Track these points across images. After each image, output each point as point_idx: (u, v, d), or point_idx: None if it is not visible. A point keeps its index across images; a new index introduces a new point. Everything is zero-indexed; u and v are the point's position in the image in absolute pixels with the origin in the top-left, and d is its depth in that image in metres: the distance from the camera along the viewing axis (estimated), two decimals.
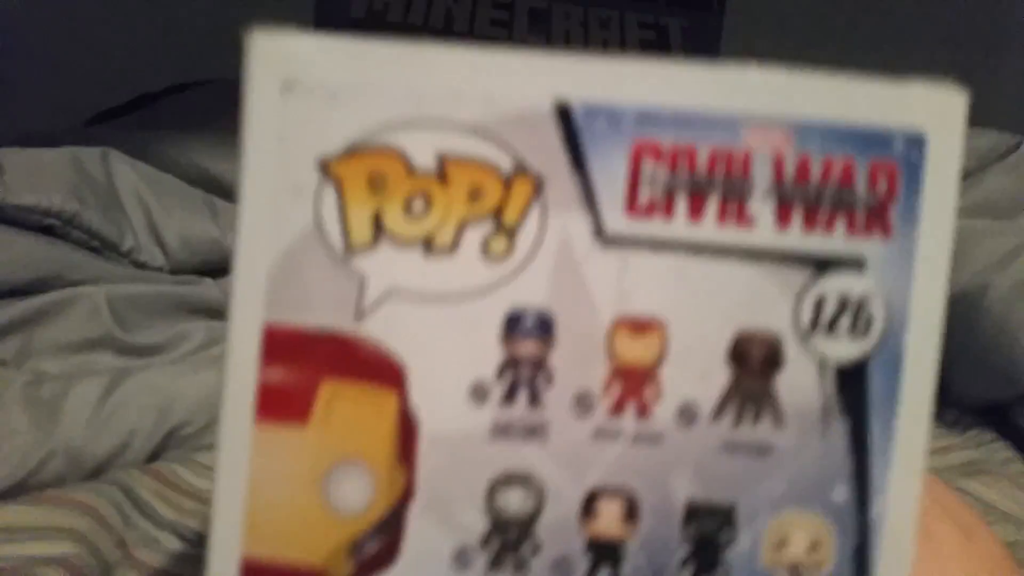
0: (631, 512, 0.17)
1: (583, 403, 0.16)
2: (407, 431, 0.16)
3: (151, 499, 0.33)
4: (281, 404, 0.16)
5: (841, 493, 0.17)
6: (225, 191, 0.55)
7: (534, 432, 0.16)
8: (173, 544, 0.32)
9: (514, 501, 0.16)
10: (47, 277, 0.44)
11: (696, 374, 0.16)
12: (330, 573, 0.16)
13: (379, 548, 0.16)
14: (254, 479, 0.16)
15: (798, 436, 0.17)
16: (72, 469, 0.37)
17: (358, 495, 0.16)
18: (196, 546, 0.32)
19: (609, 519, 0.17)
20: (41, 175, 0.45)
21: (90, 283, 0.45)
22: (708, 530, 0.17)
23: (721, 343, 0.16)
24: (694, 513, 0.17)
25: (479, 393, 0.16)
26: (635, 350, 0.16)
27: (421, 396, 0.16)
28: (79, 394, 0.38)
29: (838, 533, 0.17)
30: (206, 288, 0.50)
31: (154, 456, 0.39)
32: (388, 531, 0.16)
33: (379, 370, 0.16)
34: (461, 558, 0.17)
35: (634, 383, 0.16)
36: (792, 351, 0.16)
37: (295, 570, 0.16)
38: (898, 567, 0.17)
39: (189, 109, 0.64)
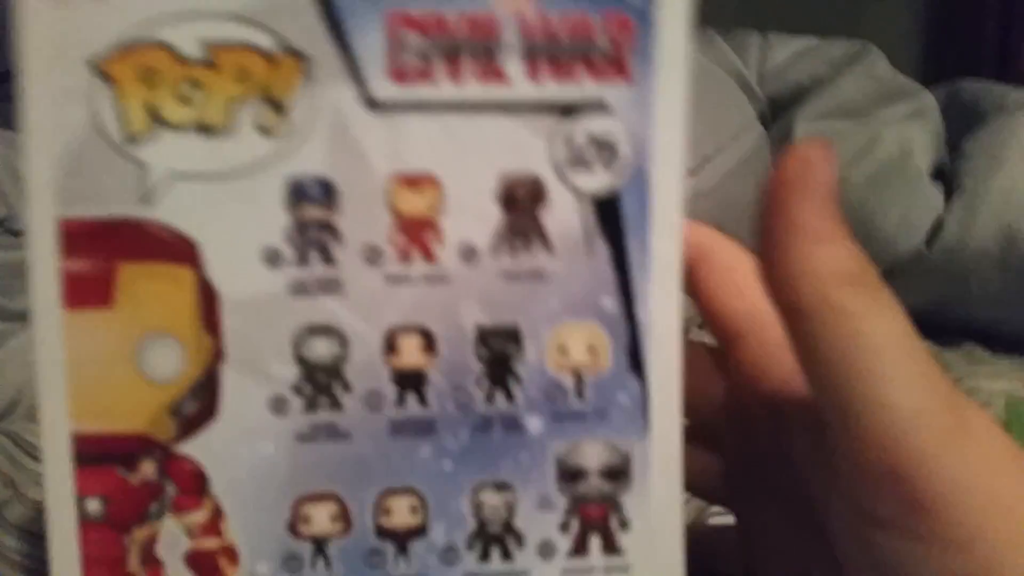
0: (429, 344, 0.18)
1: (372, 255, 0.18)
2: (208, 301, 0.18)
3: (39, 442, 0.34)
4: (85, 291, 0.18)
5: (609, 304, 0.19)
6: None
7: (330, 286, 0.18)
8: None
9: (320, 349, 0.18)
10: None
11: (471, 218, 0.18)
12: (155, 436, 0.18)
13: (199, 408, 0.18)
14: (71, 361, 0.18)
15: (566, 260, 0.19)
16: None
17: (169, 364, 0.18)
18: None
19: (409, 352, 0.18)
20: None
21: None
22: (497, 349, 0.19)
23: (489, 188, 0.18)
24: (484, 336, 0.19)
25: (272, 258, 0.18)
26: (413, 202, 0.18)
27: (216, 268, 0.18)
28: None
29: (611, 338, 0.19)
30: None
31: None
32: (204, 392, 0.18)
33: (172, 249, 0.18)
34: (277, 405, 0.18)
35: (416, 232, 0.18)
36: (553, 188, 0.18)
37: (122, 438, 0.18)
38: (666, 365, 0.19)
39: None
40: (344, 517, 0.19)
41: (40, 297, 0.18)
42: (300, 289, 0.18)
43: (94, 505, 0.18)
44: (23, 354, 0.40)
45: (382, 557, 0.19)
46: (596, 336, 0.19)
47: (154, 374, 0.18)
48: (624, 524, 0.19)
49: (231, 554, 0.18)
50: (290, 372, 0.18)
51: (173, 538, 0.18)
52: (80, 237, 0.18)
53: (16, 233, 0.49)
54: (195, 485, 0.18)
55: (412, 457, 0.19)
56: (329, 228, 0.18)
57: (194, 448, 0.18)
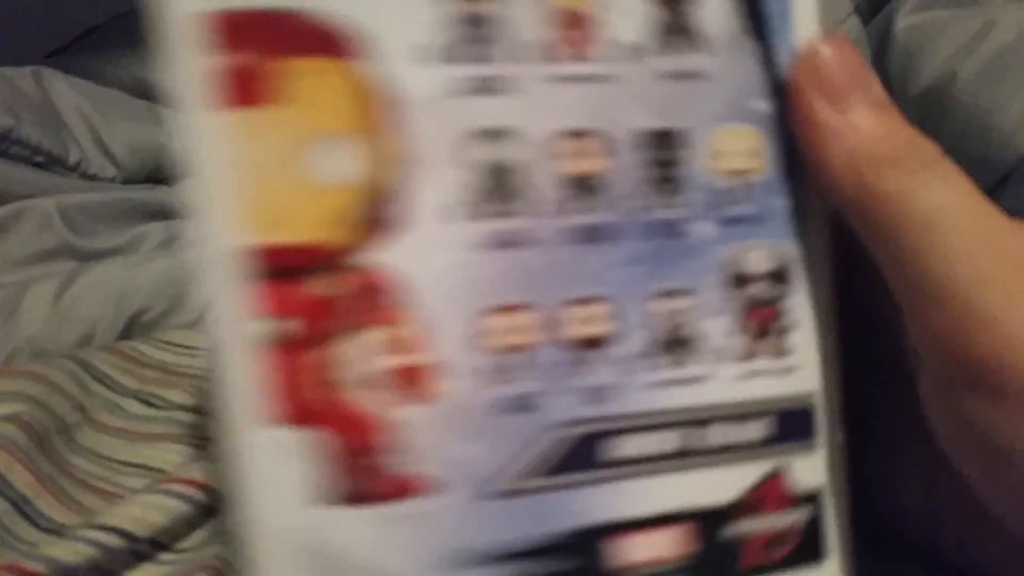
0: (598, 148, 0.18)
1: (535, 52, 0.18)
2: (378, 99, 0.17)
3: (111, 371, 0.33)
4: (245, 89, 0.16)
5: (762, 104, 0.19)
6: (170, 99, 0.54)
7: (498, 85, 0.17)
8: (138, 409, 0.32)
9: (496, 152, 0.17)
10: None
11: (627, 15, 0.18)
12: (332, 245, 0.16)
13: (375, 215, 0.17)
14: (235, 167, 0.16)
15: (722, 60, 0.19)
16: (37, 360, 0.37)
17: (342, 167, 0.16)
18: (164, 409, 0.32)
19: (582, 156, 0.18)
20: None
21: (39, 197, 0.45)
22: (664, 153, 0.18)
23: None
24: (650, 140, 0.18)
25: (436, 54, 0.17)
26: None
27: (386, 64, 0.17)
28: (35, 293, 0.38)
29: (768, 140, 0.19)
30: (162, 194, 0.50)
31: None
32: (380, 198, 0.17)
33: (337, 42, 0.16)
34: (461, 210, 0.17)
35: (576, 28, 0.18)
36: None
37: (297, 249, 0.16)
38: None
39: (127, 31, 0.63)
40: (535, 326, 0.18)
41: (192, 97, 0.16)
42: (468, 88, 0.17)
43: (269, 325, 0.16)
44: (96, 289, 0.39)
45: (570, 367, 0.18)
46: (754, 138, 0.19)
47: (326, 179, 0.16)
48: (789, 326, 0.19)
49: (428, 370, 0.17)
50: (470, 176, 0.17)
51: (366, 356, 0.16)
52: (233, 31, 0.16)
53: (91, 177, 0.49)
54: (388, 297, 0.17)
55: (594, 264, 0.18)
56: (491, 22, 0.17)
57: (383, 258, 0.17)
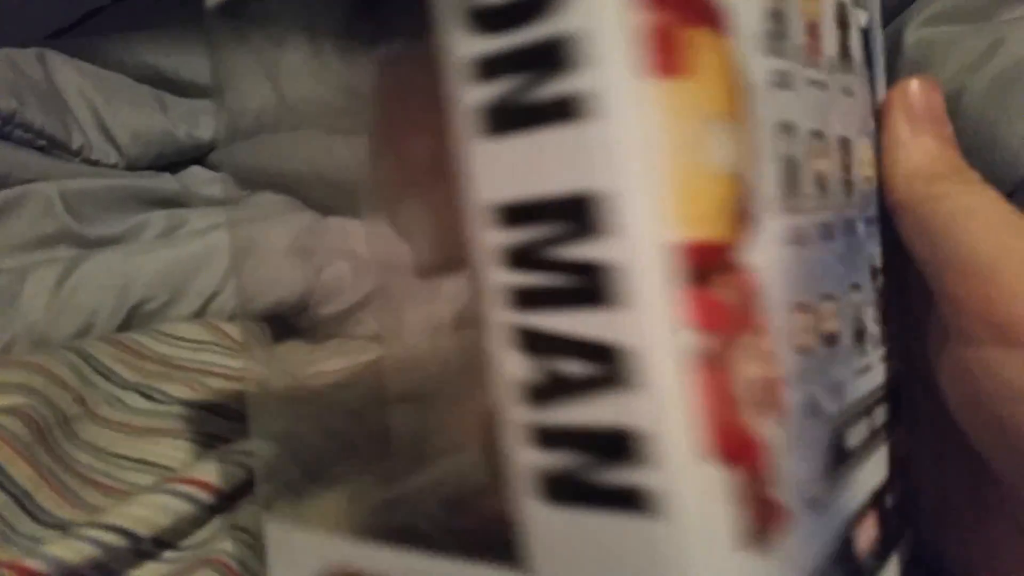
0: (828, 149, 0.19)
1: (801, 55, 0.18)
2: (740, 81, 0.15)
3: (112, 364, 0.33)
4: (664, 55, 0.13)
5: (872, 125, 0.21)
6: (174, 86, 0.54)
7: (787, 82, 0.17)
8: (139, 403, 0.32)
9: (788, 146, 0.17)
10: None
11: (830, 30, 0.19)
12: (730, 242, 0.14)
13: (746, 208, 0.15)
14: (664, 147, 0.13)
15: (858, 81, 0.20)
16: (38, 351, 0.37)
17: (726, 151, 0.14)
18: (164, 403, 0.32)
19: (821, 156, 0.19)
20: None
21: (41, 181, 0.44)
22: (846, 156, 0.19)
23: (831, 9, 0.20)
24: (841, 144, 0.19)
25: (762, 43, 0.16)
26: (811, 5, 0.18)
27: (741, 45, 0.15)
28: (36, 280, 0.38)
29: (875, 156, 0.21)
30: (164, 181, 0.50)
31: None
32: (749, 190, 0.15)
33: (718, 14, 0.15)
34: (781, 203, 0.17)
35: (814, 33, 0.18)
36: (852, 15, 0.20)
37: (715, 246, 0.14)
38: None
39: (133, 13, 0.62)
40: (815, 324, 0.17)
41: (615, 64, 0.13)
42: (778, 81, 0.17)
43: (696, 338, 0.13)
44: (97, 277, 0.39)
45: (828, 362, 0.18)
46: (871, 152, 0.21)
47: (717, 165, 0.14)
48: (887, 315, 0.21)
49: (780, 383, 0.15)
50: (778, 169, 0.16)
51: (745, 372, 0.14)
52: None
53: (93, 162, 0.48)
54: (758, 301, 0.15)
55: (832, 260, 0.18)
56: (786, 19, 0.17)
57: (749, 256, 0.15)
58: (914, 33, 0.54)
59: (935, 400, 0.20)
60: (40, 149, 0.46)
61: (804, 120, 0.17)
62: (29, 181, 0.44)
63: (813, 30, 0.18)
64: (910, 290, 0.22)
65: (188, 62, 0.54)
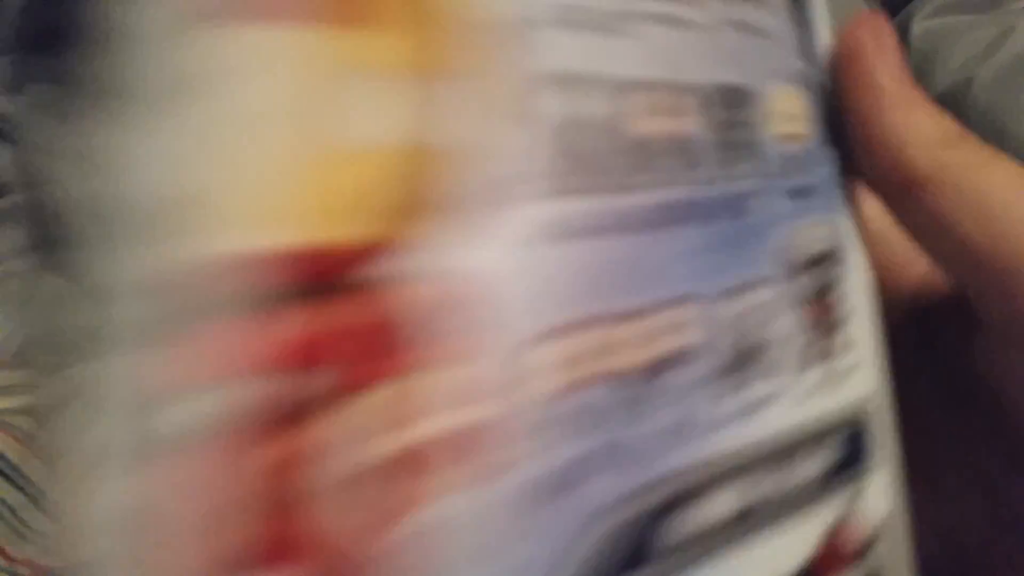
0: (675, 103, 0.14)
1: None
2: (445, 19, 0.11)
3: None
4: None
5: (803, 66, 0.16)
6: None
7: (579, 19, 0.13)
8: None
9: (568, 104, 0.12)
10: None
11: None
12: (356, 247, 0.10)
13: (425, 194, 0.11)
14: (227, 123, 0.10)
15: (771, 14, 0.16)
16: None
17: (385, 121, 0.11)
18: None
19: (656, 114, 0.14)
20: None
21: None
22: (734, 112, 0.15)
23: None
24: (722, 96, 0.15)
25: None
26: None
27: None
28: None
29: (811, 104, 0.16)
30: None
31: None
32: (438, 169, 0.11)
33: None
34: (516, 188, 0.12)
35: None
36: None
37: (311, 255, 0.09)
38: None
39: None
40: (602, 350, 0.12)
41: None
42: (555, 19, 0.12)
43: (232, 395, 0.09)
44: None
45: (633, 405, 0.12)
46: (800, 102, 0.16)
47: (359, 140, 0.10)
48: (847, 317, 0.16)
49: (482, 434, 0.11)
50: (537, 136, 0.12)
51: (374, 426, 0.10)
52: None
53: None
54: (429, 324, 0.10)
55: (670, 255, 0.13)
56: None
57: (419, 262, 0.11)
58: (921, 23, 0.54)
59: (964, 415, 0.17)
60: None
61: (621, 67, 0.13)
62: None
63: None
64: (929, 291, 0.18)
65: None
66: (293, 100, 0.10)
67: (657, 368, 0.12)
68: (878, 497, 0.16)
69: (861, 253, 0.17)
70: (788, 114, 0.16)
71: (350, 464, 0.09)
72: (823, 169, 0.16)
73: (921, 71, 0.54)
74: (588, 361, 0.11)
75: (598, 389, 0.12)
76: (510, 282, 0.11)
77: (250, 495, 0.09)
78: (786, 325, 0.15)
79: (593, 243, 0.12)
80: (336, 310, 0.09)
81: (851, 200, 0.17)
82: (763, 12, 0.16)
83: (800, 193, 0.15)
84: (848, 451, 0.15)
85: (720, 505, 0.13)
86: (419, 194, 0.10)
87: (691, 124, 0.14)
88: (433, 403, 0.10)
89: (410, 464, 0.10)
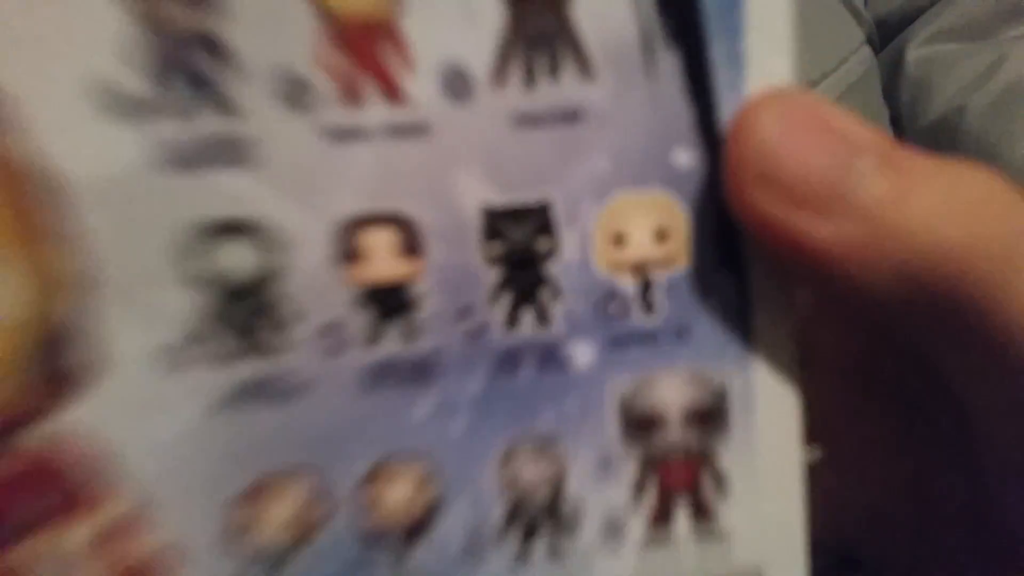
0: (408, 241, 0.12)
1: (295, 90, 0.11)
2: (39, 193, 0.11)
3: None
4: None
5: (684, 156, 0.12)
6: None
7: (232, 150, 0.11)
8: None
9: (233, 259, 0.11)
10: None
11: (456, 19, 0.11)
12: (9, 410, 0.11)
13: (66, 363, 0.12)
14: None
15: (614, 85, 0.12)
16: None
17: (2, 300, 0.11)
18: None
19: (379, 257, 0.12)
20: None
21: None
22: (518, 241, 0.12)
23: None
24: (496, 223, 0.12)
25: (121, 101, 0.11)
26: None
27: (42, 131, 0.11)
28: None
29: (690, 212, 0.12)
30: None
31: None
32: (68, 337, 0.11)
33: None
34: (179, 355, 0.12)
35: (368, 50, 0.11)
36: None
37: None
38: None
39: None
40: (310, 513, 0.12)
41: None
42: (183, 156, 0.11)
43: None
44: None
45: (370, 566, 0.12)
46: (668, 211, 0.12)
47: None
48: (720, 484, 0.13)
49: (143, 564, 0.12)
50: (191, 300, 0.11)
51: (57, 559, 0.11)
52: None
53: None
54: (87, 475, 0.11)
55: (403, 417, 0.12)
56: (213, 46, 0.11)
57: (76, 422, 0.11)
58: (915, 51, 0.54)
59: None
60: None
61: (310, 205, 0.11)
62: None
63: (369, 37, 0.11)
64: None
65: None
66: None
67: (396, 530, 0.12)
68: None
69: (776, 411, 0.13)
70: (636, 232, 0.12)
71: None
72: (702, 301, 0.13)
73: (916, 98, 0.54)
74: (309, 517, 0.12)
75: (330, 543, 0.12)
76: (169, 442, 0.11)
77: None
78: (617, 489, 0.13)
79: (288, 405, 0.12)
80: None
81: (777, 342, 0.13)
82: (587, 85, 0.12)
83: (642, 339, 0.13)
84: None
85: None
86: (54, 363, 0.11)
87: (447, 262, 0.12)
88: (105, 537, 0.11)
89: None
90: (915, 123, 0.54)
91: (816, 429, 0.15)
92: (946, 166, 0.12)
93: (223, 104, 0.11)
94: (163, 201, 0.11)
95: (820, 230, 0.11)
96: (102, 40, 0.10)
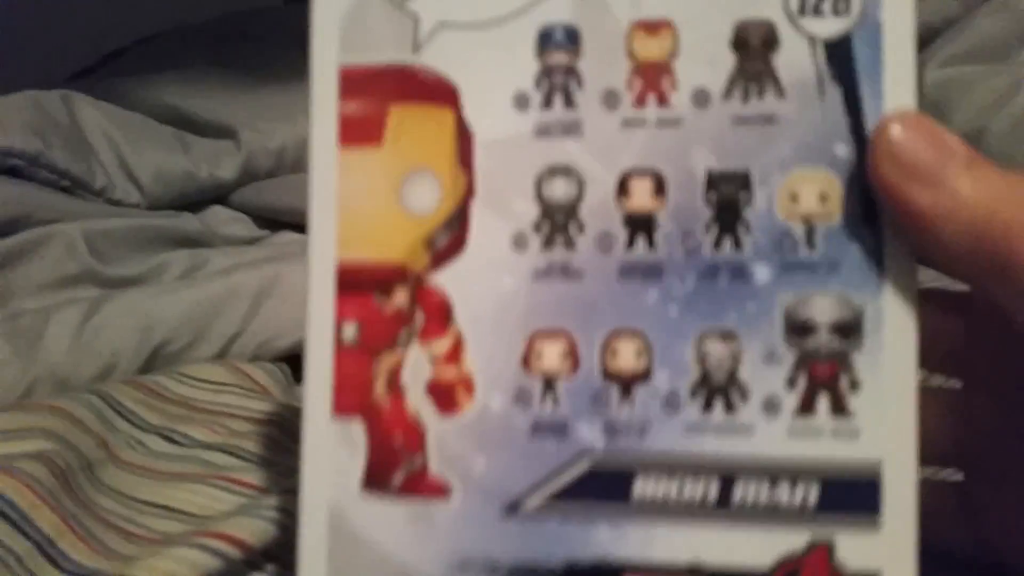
0: (659, 188, 0.19)
1: (610, 99, 0.19)
2: (465, 141, 0.20)
3: (134, 406, 0.33)
4: (358, 130, 0.20)
5: (842, 149, 0.18)
6: (196, 127, 0.54)
7: (571, 129, 0.19)
8: (161, 446, 0.32)
9: (559, 189, 0.19)
10: (17, 217, 0.43)
11: (705, 63, 0.19)
12: (410, 266, 0.20)
13: (450, 240, 0.20)
14: (342, 196, 0.20)
15: (799, 104, 0.19)
16: (60, 395, 0.37)
17: (428, 198, 0.20)
18: (186, 446, 0.32)
19: (641, 195, 0.19)
20: None
21: (64, 221, 0.44)
22: (727, 194, 0.19)
23: (724, 33, 0.19)
24: (714, 181, 0.19)
25: (521, 101, 0.20)
26: (650, 48, 0.19)
27: (473, 110, 0.20)
28: (59, 320, 0.38)
29: (844, 185, 0.18)
30: (185, 220, 0.50)
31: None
32: (456, 226, 0.20)
33: (436, 92, 0.20)
34: (518, 241, 0.19)
35: (652, 76, 0.19)
36: (785, 33, 0.19)
37: (382, 267, 0.20)
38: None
39: (155, 56, 0.63)
40: (573, 355, 0.19)
41: (319, 136, 0.20)
42: (544, 131, 0.19)
43: (350, 330, 0.19)
44: (120, 318, 0.39)
45: (607, 398, 0.19)
46: (828, 183, 0.19)
47: (415, 208, 0.20)
48: (854, 385, 0.18)
49: (468, 384, 0.19)
50: (531, 210, 0.19)
51: (417, 366, 0.19)
52: (358, 82, 0.20)
53: (115, 202, 0.49)
54: (441, 314, 0.19)
55: (639, 300, 0.19)
56: (572, 72, 0.19)
57: (443, 279, 0.19)
58: (933, 73, 0.54)
59: None
60: (64, 189, 0.46)
61: (605, 162, 0.19)
62: (52, 221, 0.44)
63: (652, 70, 0.19)
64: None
65: (209, 103, 0.55)
66: (378, 186, 0.20)
67: (632, 377, 0.19)
68: (875, 551, 0.18)
69: (895, 334, 0.18)
70: (806, 195, 0.19)
71: (411, 378, 0.20)
72: (850, 248, 0.18)
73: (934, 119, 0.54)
74: (572, 359, 0.19)
75: (585, 378, 0.19)
76: (496, 299, 0.19)
77: (371, 377, 0.20)
78: (777, 374, 0.18)
79: (571, 283, 0.19)
80: (405, 297, 0.20)
81: (900, 282, 0.18)
82: (779, 101, 0.19)
83: (804, 267, 0.18)
84: (844, 498, 0.18)
85: (693, 490, 0.18)
86: (445, 239, 0.20)
87: (679, 203, 0.19)
88: (441, 359, 0.20)
89: (434, 389, 0.20)
90: None
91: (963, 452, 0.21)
92: (1008, 173, 0.17)
93: (571, 103, 0.19)
94: (530, 152, 0.20)
95: (923, 197, 0.17)
96: (523, 69, 0.20)
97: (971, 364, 0.21)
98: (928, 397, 0.19)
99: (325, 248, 0.20)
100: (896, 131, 0.17)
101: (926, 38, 0.56)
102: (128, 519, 0.28)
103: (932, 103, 0.54)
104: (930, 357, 0.19)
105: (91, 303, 0.39)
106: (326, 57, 0.20)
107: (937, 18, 0.56)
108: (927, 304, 0.19)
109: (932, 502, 0.19)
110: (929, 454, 0.19)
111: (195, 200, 0.52)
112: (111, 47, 0.67)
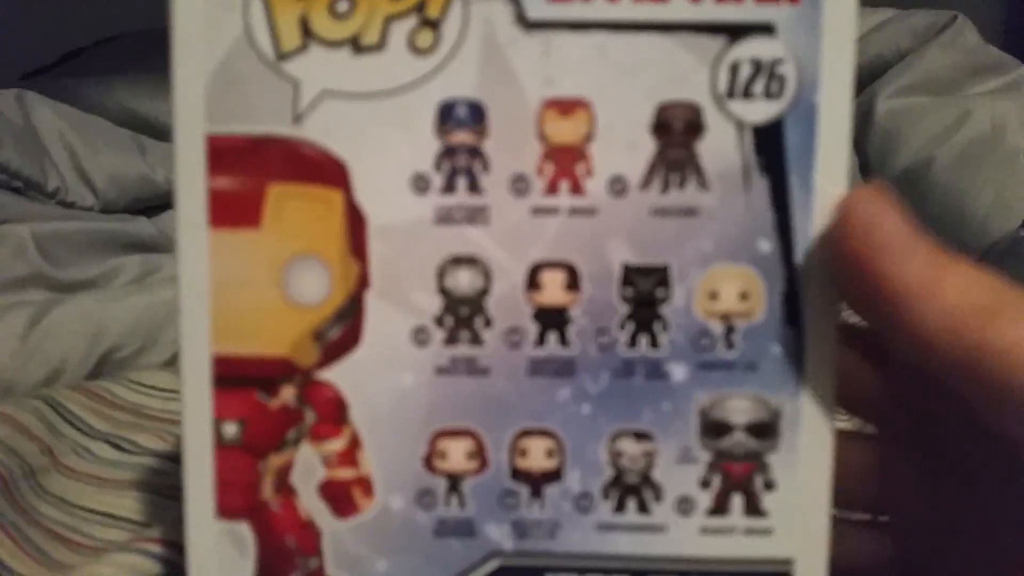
0: (572, 281, 0.18)
1: (519, 185, 0.18)
2: (356, 224, 0.17)
3: (81, 412, 0.32)
4: (232, 209, 0.17)
5: (766, 246, 0.17)
6: (153, 130, 0.54)
7: (476, 215, 0.18)
8: (107, 453, 0.31)
9: (463, 280, 0.18)
10: None
11: (623, 148, 0.17)
12: (297, 361, 0.18)
13: (342, 333, 0.18)
14: (216, 282, 0.17)
15: (722, 196, 0.17)
16: (4, 400, 0.36)
17: (315, 287, 0.17)
18: (134, 454, 0.31)
19: (553, 289, 0.18)
20: None
21: (14, 223, 0.43)
22: (644, 290, 0.18)
23: (644, 116, 0.17)
24: (631, 276, 0.18)
25: (420, 184, 0.17)
26: (564, 130, 0.17)
27: (365, 191, 0.17)
28: (5, 324, 0.37)
29: (766, 282, 0.18)
30: (139, 225, 0.49)
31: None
32: (349, 318, 0.18)
33: (322, 169, 0.17)
34: (419, 335, 0.18)
35: (566, 161, 0.17)
36: (711, 117, 0.17)
37: (264, 362, 0.18)
38: (825, 317, 0.18)
39: (114, 57, 0.62)
40: (480, 455, 0.18)
41: (185, 214, 0.17)
42: (445, 217, 0.18)
43: (231, 429, 0.18)
44: (69, 323, 0.38)
45: (516, 499, 0.18)
46: (750, 281, 0.18)
47: (299, 298, 0.18)
48: (769, 485, 0.18)
49: (366, 485, 0.18)
50: (433, 303, 0.18)
51: (308, 466, 0.18)
52: (229, 154, 0.17)
53: (68, 205, 0.48)
54: (334, 413, 0.18)
55: (550, 398, 0.18)
56: (477, 154, 0.17)
57: (335, 375, 0.18)
58: (885, 103, 0.55)
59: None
60: (15, 191, 0.45)
61: (513, 252, 0.18)
62: (2, 223, 0.43)
63: (565, 155, 0.17)
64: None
65: (167, 106, 0.54)
66: (257, 272, 0.18)
67: (542, 476, 0.18)
68: None
69: (812, 434, 0.18)
70: (724, 293, 0.18)
71: (313, 477, 0.18)
72: (769, 347, 0.18)
73: (885, 148, 0.55)
74: (478, 458, 0.18)
75: (492, 477, 0.18)
76: (395, 396, 0.18)
77: (261, 480, 0.18)
78: (691, 474, 0.18)
79: (476, 379, 0.18)
80: (292, 394, 0.18)
81: (819, 382, 0.18)
82: (702, 193, 0.18)
83: (722, 366, 0.18)
84: None
85: None
86: (336, 333, 0.18)
87: (593, 297, 0.18)
88: (336, 459, 0.18)
89: (329, 490, 0.18)
90: (884, 172, 0.55)
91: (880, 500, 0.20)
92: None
93: (476, 188, 0.18)
94: (430, 240, 0.18)
95: (893, 269, 0.16)
96: (421, 148, 0.17)
97: (885, 413, 0.20)
98: (851, 441, 0.19)
99: (198, 340, 0.17)
100: (865, 204, 0.16)
101: (880, 70, 0.58)
102: (72, 528, 0.27)
103: (883, 132, 0.56)
104: (848, 398, 0.18)
105: (39, 307, 0.38)
106: (191, 123, 0.17)
107: (890, 51, 0.57)
108: (848, 344, 0.18)
109: (864, 551, 0.19)
110: (856, 501, 0.19)
111: (150, 204, 0.51)
112: (69, 46, 0.66)
